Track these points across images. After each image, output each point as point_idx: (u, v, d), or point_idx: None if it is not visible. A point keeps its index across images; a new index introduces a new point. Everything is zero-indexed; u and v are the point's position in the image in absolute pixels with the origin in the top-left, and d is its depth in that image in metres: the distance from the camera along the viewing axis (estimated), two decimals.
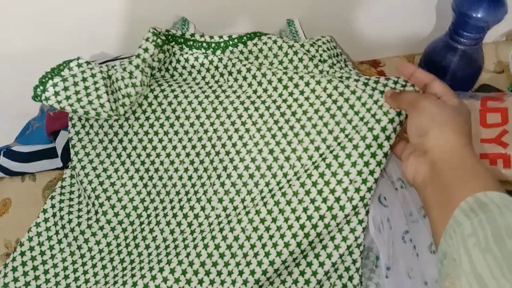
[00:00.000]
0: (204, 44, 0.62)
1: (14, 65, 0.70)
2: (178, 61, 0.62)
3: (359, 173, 0.49)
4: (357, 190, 0.49)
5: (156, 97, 0.60)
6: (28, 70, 0.71)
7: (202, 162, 0.56)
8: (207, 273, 0.51)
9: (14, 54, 0.69)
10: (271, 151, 0.54)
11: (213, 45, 0.62)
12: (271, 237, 0.51)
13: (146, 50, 0.57)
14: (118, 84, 0.57)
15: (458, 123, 0.45)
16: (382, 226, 0.50)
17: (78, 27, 0.67)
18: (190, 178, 0.57)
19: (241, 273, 0.50)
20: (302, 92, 0.55)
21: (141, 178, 0.59)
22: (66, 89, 0.57)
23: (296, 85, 0.56)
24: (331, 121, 0.53)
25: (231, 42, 0.62)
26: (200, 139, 0.57)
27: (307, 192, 0.50)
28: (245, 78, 0.59)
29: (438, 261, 0.38)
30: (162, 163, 0.59)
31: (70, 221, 0.59)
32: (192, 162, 0.57)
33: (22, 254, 0.57)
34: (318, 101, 0.54)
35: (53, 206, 0.60)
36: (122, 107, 0.58)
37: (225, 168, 0.55)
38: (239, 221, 0.52)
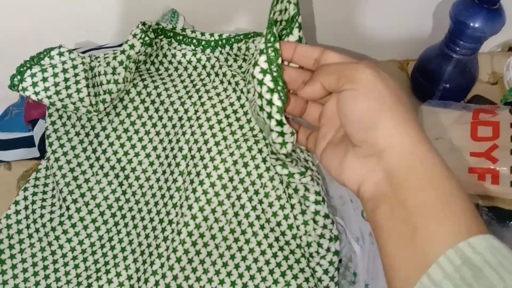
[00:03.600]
0: (194, 41, 0.60)
1: None
2: (165, 55, 0.59)
3: None
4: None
5: (139, 93, 0.57)
6: (8, 55, 0.68)
7: (178, 165, 0.54)
8: (179, 287, 0.51)
9: None
10: (245, 165, 0.52)
11: (203, 42, 0.60)
12: (239, 249, 0.51)
13: (132, 47, 0.54)
14: (100, 79, 0.55)
15: (407, 107, 0.33)
16: (363, 241, 0.48)
17: (62, 13, 0.64)
18: (166, 181, 0.55)
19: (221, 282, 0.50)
20: None
21: (117, 176, 0.57)
22: (44, 80, 0.54)
23: None
24: None
25: (220, 42, 0.59)
26: (178, 141, 0.55)
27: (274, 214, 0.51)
28: (229, 83, 0.57)
29: None
30: (140, 163, 0.56)
31: (42, 216, 0.57)
32: (169, 165, 0.55)
33: None
34: None
35: (25, 198, 0.58)
36: (103, 103, 0.56)
37: (198, 174, 0.53)
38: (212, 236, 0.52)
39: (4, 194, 0.61)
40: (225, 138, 0.52)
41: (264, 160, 0.51)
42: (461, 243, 0.27)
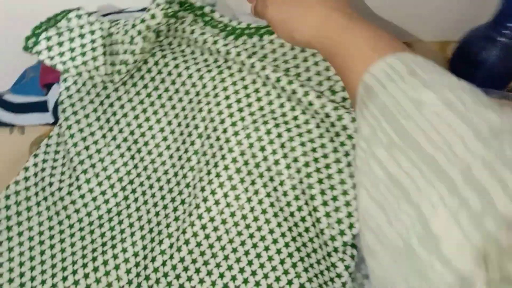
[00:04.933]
0: (220, 25, 0.55)
1: (14, 10, 0.65)
2: (185, 31, 0.55)
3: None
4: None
5: (156, 63, 0.54)
6: (29, 16, 0.66)
7: (192, 143, 0.51)
8: (186, 269, 0.48)
9: None
10: (261, 148, 0.48)
11: (228, 28, 0.55)
12: (250, 235, 0.47)
13: (153, 16, 0.50)
14: (117, 48, 0.52)
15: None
16: None
17: None
18: (179, 158, 0.52)
19: (218, 265, 0.48)
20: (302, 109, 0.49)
21: (129, 148, 0.54)
22: (60, 44, 0.52)
23: (300, 101, 0.49)
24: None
25: (247, 31, 0.54)
26: (194, 117, 0.52)
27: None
28: (249, 71, 0.52)
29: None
30: (153, 137, 0.54)
31: (51, 184, 0.55)
32: (183, 142, 0.52)
33: None
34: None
35: (35, 165, 0.56)
36: (118, 74, 0.53)
37: (213, 155, 0.49)
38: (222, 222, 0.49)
39: (16, 159, 0.60)
40: (242, 119, 0.49)
41: (282, 146, 0.47)
42: (365, 75, 0.34)
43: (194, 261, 0.49)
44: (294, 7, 0.42)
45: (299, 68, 0.50)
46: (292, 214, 0.47)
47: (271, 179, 0.48)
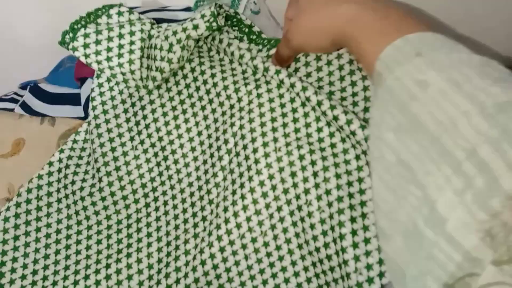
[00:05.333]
0: (257, 39, 0.52)
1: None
2: (221, 41, 0.51)
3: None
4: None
5: (192, 70, 0.51)
6: (69, 5, 0.65)
7: (220, 158, 0.48)
8: (206, 274, 0.46)
9: None
10: (292, 174, 0.45)
11: (264, 41, 0.52)
12: (271, 265, 0.45)
13: (195, 27, 0.47)
14: (155, 53, 0.49)
15: None
16: None
17: None
18: (205, 172, 0.49)
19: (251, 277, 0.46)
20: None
21: (156, 155, 0.52)
22: (97, 42, 0.50)
23: (341, 128, 0.45)
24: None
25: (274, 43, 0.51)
26: (225, 131, 0.49)
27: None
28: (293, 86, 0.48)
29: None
30: (181, 146, 0.51)
31: (73, 182, 0.53)
32: (211, 156, 0.49)
33: (18, 205, 0.53)
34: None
35: (60, 161, 0.55)
36: (153, 81, 0.51)
37: (240, 175, 0.46)
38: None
39: (44, 150, 0.58)
40: (275, 140, 0.45)
41: (315, 175, 0.44)
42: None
43: (208, 284, 0.46)
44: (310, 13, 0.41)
45: (346, 91, 0.46)
46: (317, 250, 0.43)
47: (299, 208, 0.44)
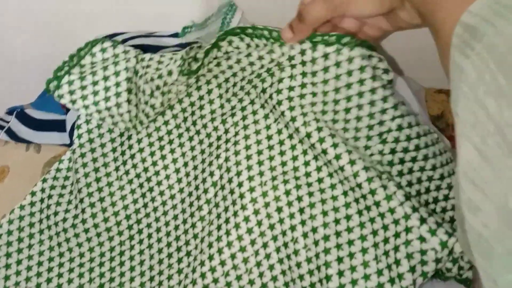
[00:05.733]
0: (266, 32, 0.45)
1: (42, 22, 0.64)
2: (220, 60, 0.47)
3: None
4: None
5: (180, 101, 0.50)
6: (57, 28, 0.64)
7: (206, 191, 0.47)
8: None
9: (43, 9, 0.62)
10: (278, 209, 0.43)
11: (274, 34, 0.45)
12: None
13: (170, 73, 0.45)
14: (139, 96, 0.48)
15: None
16: None
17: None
18: (190, 205, 0.48)
19: None
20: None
21: (141, 185, 0.51)
22: (83, 88, 0.49)
23: (329, 163, 0.43)
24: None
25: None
26: (210, 163, 0.47)
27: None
28: (279, 103, 0.44)
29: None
30: (167, 177, 0.50)
31: (56, 213, 0.52)
32: (197, 188, 0.48)
33: None
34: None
35: (43, 190, 0.53)
36: (140, 124, 0.50)
37: (225, 209, 0.45)
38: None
39: (29, 178, 0.57)
40: (261, 174, 0.44)
41: (301, 211, 0.42)
42: (463, 16, 0.29)
43: None
44: None
45: (351, 101, 0.43)
46: None
47: (286, 245, 0.43)
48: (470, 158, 0.28)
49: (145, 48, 0.56)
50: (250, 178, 0.44)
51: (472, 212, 0.28)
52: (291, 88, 0.43)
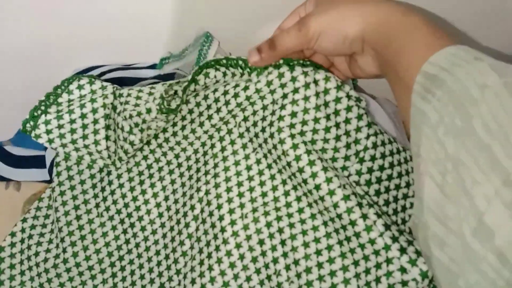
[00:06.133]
0: (240, 62, 0.45)
1: (18, 56, 0.63)
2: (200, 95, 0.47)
3: None
4: None
5: (156, 137, 0.50)
6: (34, 61, 0.64)
7: (187, 225, 0.46)
8: None
9: (20, 42, 0.61)
10: (260, 242, 0.43)
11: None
12: None
13: (148, 111, 0.45)
14: (118, 132, 0.48)
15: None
16: None
17: (87, 23, 0.58)
18: (172, 240, 0.47)
19: None
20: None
21: (122, 221, 0.50)
22: (60, 126, 0.48)
23: (309, 193, 0.43)
24: None
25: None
26: (191, 197, 0.47)
27: None
28: (262, 131, 0.44)
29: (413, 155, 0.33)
30: (148, 212, 0.49)
31: (37, 253, 0.51)
32: (178, 222, 0.47)
33: None
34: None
35: (23, 231, 0.53)
36: (119, 160, 0.49)
37: (207, 244, 0.45)
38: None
39: (9, 217, 0.56)
40: (242, 206, 0.44)
41: (283, 243, 0.42)
42: (424, 66, 0.31)
43: None
44: (343, 3, 0.39)
45: (340, 141, 0.43)
46: None
47: (269, 278, 0.42)
48: (433, 194, 0.29)
49: (123, 81, 0.56)
50: (231, 211, 0.44)
51: (438, 246, 0.29)
52: (273, 113, 0.43)
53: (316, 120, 0.42)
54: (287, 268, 0.41)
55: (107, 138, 0.48)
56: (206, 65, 0.44)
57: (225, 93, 0.45)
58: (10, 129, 0.65)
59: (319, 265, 0.40)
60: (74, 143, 0.48)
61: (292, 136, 0.42)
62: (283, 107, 0.42)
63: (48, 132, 0.48)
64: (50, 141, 0.48)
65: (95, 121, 0.48)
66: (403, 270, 0.37)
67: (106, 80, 0.54)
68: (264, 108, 0.44)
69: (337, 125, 0.42)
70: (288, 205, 0.43)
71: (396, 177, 0.43)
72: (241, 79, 0.44)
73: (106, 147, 0.48)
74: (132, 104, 0.47)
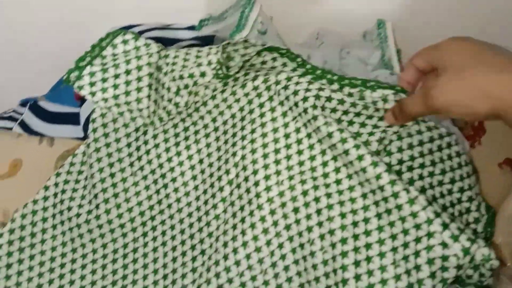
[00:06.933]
0: (299, 60, 0.48)
1: (55, 15, 0.63)
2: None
3: None
4: None
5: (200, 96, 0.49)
6: (71, 21, 0.63)
7: (221, 189, 0.46)
8: None
9: (57, 2, 0.61)
10: (295, 210, 0.43)
11: (308, 66, 0.47)
12: None
13: (203, 75, 0.45)
14: (163, 92, 0.47)
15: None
16: None
17: None
18: (205, 203, 0.47)
19: None
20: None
21: (155, 182, 0.50)
22: (104, 80, 0.48)
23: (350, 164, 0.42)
24: None
25: (329, 76, 0.46)
26: (226, 161, 0.46)
27: None
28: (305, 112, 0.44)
29: None
30: (182, 174, 0.49)
31: (69, 208, 0.52)
32: (212, 185, 0.47)
33: (11, 231, 0.51)
34: None
35: (56, 185, 0.53)
36: (160, 120, 0.49)
37: (241, 208, 0.44)
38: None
39: (41, 173, 0.56)
40: (278, 173, 0.43)
41: (318, 212, 0.41)
42: None
43: None
44: (470, 71, 0.35)
45: (366, 127, 0.43)
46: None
47: (302, 246, 0.42)
48: None
49: (160, 41, 0.55)
50: (267, 177, 0.43)
51: None
52: (320, 89, 0.43)
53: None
54: (322, 237, 0.41)
55: (148, 97, 0.48)
56: (270, 48, 0.46)
57: (274, 59, 0.44)
58: (44, 86, 0.65)
59: (355, 237, 0.40)
60: (116, 98, 0.48)
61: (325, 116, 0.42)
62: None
63: (92, 84, 0.48)
64: (92, 93, 0.48)
65: (139, 79, 0.48)
66: (444, 245, 0.36)
67: None
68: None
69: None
70: (325, 175, 0.42)
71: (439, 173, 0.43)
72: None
73: (147, 105, 0.48)
74: (179, 65, 0.47)
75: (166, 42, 0.56)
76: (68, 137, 0.59)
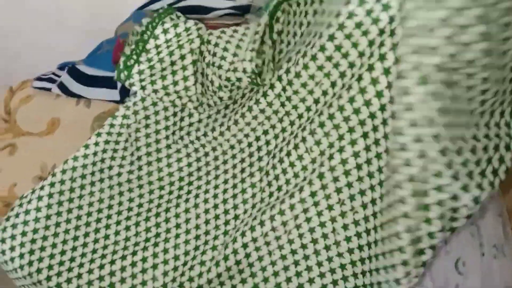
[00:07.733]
0: None
1: None
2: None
3: None
4: None
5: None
6: None
7: (260, 159, 0.50)
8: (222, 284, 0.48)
9: None
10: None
11: None
12: None
13: (239, 80, 0.48)
14: (207, 84, 0.51)
15: None
16: None
17: None
18: (242, 171, 0.50)
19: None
20: None
21: (196, 150, 0.53)
22: (152, 75, 0.52)
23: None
24: None
25: None
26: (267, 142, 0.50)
27: None
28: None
29: None
30: (220, 144, 0.52)
31: (110, 167, 0.54)
32: (251, 155, 0.51)
33: (52, 185, 0.53)
34: None
35: (96, 144, 0.55)
36: (208, 106, 0.53)
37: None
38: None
39: (78, 132, 0.59)
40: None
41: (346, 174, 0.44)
42: None
43: (230, 278, 0.47)
44: None
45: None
46: (351, 251, 0.44)
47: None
48: None
49: (196, 9, 0.58)
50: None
51: None
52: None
53: None
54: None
55: (195, 84, 0.51)
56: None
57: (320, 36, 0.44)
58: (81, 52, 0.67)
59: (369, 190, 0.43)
60: (165, 89, 0.52)
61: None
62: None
63: (141, 80, 0.52)
64: (143, 87, 0.52)
65: (184, 68, 0.51)
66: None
67: (180, 9, 0.56)
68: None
69: None
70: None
71: None
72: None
73: (195, 91, 0.51)
74: (218, 57, 0.50)
75: (202, 10, 0.59)
76: (105, 99, 0.61)
